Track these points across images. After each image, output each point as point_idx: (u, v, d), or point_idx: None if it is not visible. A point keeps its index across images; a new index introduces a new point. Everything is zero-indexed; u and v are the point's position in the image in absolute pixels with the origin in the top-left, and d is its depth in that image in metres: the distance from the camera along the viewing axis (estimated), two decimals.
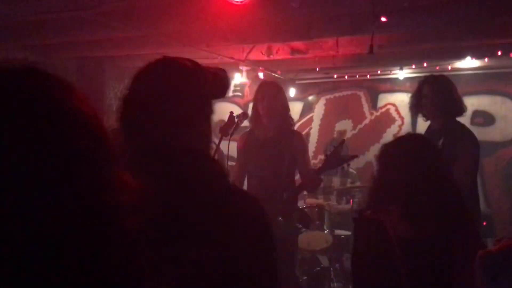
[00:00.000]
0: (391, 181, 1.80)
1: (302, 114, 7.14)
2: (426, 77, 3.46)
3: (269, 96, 3.34)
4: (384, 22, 3.07)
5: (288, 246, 3.21)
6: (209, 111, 1.24)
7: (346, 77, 6.27)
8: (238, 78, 5.77)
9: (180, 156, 1.15)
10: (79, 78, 5.65)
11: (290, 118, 3.50)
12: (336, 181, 5.69)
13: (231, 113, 2.96)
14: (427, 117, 3.41)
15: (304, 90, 7.03)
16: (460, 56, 5.01)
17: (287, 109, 3.46)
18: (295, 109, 7.17)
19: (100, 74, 5.76)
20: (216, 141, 2.59)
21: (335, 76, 6.27)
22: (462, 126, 3.27)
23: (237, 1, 2.65)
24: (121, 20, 3.75)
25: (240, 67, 5.46)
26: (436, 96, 3.25)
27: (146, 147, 1.14)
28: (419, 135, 2.28)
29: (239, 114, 3.05)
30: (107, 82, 5.85)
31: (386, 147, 1.93)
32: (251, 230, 1.13)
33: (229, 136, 2.82)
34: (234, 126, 2.92)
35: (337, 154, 3.19)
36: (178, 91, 1.18)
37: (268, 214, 1.20)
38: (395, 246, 1.75)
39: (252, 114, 3.43)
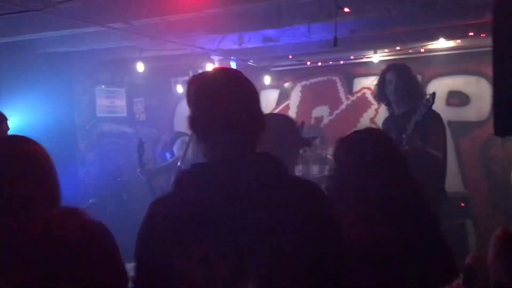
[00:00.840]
0: (345, 181, 1.68)
1: (279, 102, 7.07)
2: (388, 65, 3.70)
3: None
4: (349, 11, 3.03)
5: None
6: None
7: (319, 63, 6.21)
8: (211, 69, 5.66)
9: (264, 161, 1.37)
10: (47, 75, 5.50)
11: None
12: (315, 169, 5.66)
13: None
14: (390, 105, 3.59)
15: (279, 77, 6.96)
16: (433, 37, 4.99)
17: None
18: (271, 97, 7.10)
19: (68, 69, 5.60)
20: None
21: (309, 63, 6.20)
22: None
23: None
24: (85, 15, 3.64)
25: (212, 57, 5.36)
26: (400, 81, 3.43)
27: (231, 153, 1.35)
28: (377, 130, 2.12)
29: None
30: (75, 77, 5.70)
31: (341, 144, 1.78)
32: (321, 209, 1.35)
33: None
34: None
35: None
36: (251, 100, 1.39)
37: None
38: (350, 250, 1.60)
39: None
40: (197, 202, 1.31)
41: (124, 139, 6.35)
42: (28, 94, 5.27)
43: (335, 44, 3.07)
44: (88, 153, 5.78)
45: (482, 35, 4.53)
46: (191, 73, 7.27)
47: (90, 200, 4.62)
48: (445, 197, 3.46)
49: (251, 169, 1.33)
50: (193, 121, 1.39)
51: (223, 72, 1.46)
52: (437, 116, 3.36)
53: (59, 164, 1.55)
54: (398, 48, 5.35)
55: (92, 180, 5.69)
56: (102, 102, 6.03)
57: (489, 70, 1.65)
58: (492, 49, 1.57)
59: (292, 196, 1.33)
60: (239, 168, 1.33)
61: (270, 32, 4.72)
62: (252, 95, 1.41)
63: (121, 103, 6.32)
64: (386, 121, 3.69)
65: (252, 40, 4.92)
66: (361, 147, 1.73)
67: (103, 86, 6.04)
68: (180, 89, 6.94)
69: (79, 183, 5.50)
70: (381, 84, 3.61)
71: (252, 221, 1.27)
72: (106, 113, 6.08)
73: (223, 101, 1.36)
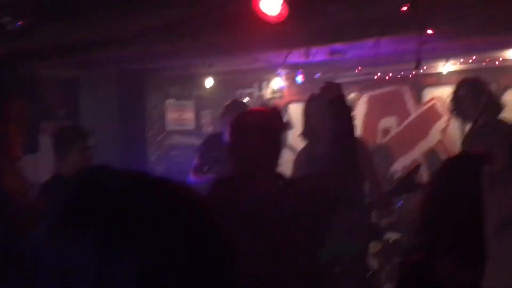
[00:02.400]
0: (451, 212, 1.36)
1: None
2: (460, 80, 3.75)
3: (324, 112, 3.26)
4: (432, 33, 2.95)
5: (358, 267, 3.13)
6: None
7: (390, 74, 6.08)
8: (277, 82, 5.70)
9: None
10: (118, 91, 5.72)
11: None
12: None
13: None
14: (467, 119, 3.63)
15: (344, 88, 6.85)
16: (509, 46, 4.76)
17: None
18: None
19: (140, 85, 5.80)
20: None
21: (378, 74, 6.09)
22: (504, 122, 3.45)
23: (273, 16, 2.58)
24: (158, 37, 3.77)
25: (278, 71, 5.39)
26: (476, 96, 3.45)
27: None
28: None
29: None
30: (147, 93, 5.90)
31: (447, 167, 1.49)
32: None
33: None
34: None
35: (411, 179, 3.00)
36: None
37: None
38: None
39: (305, 130, 3.39)
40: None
41: (191, 151, 6.49)
42: (104, 108, 5.52)
43: (417, 67, 3.02)
44: (158, 165, 5.96)
45: None
46: (256, 86, 7.34)
47: None
48: None
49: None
50: None
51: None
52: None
53: None
54: (474, 57, 5.13)
55: None
56: (171, 115, 6.22)
57: None
58: None
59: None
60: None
61: (337, 45, 4.69)
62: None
63: (189, 115, 6.48)
64: (468, 136, 3.65)
65: (319, 54, 4.90)
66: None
67: (173, 99, 6.22)
68: (246, 101, 7.02)
69: None
70: (454, 100, 3.67)
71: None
72: (175, 126, 6.25)
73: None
